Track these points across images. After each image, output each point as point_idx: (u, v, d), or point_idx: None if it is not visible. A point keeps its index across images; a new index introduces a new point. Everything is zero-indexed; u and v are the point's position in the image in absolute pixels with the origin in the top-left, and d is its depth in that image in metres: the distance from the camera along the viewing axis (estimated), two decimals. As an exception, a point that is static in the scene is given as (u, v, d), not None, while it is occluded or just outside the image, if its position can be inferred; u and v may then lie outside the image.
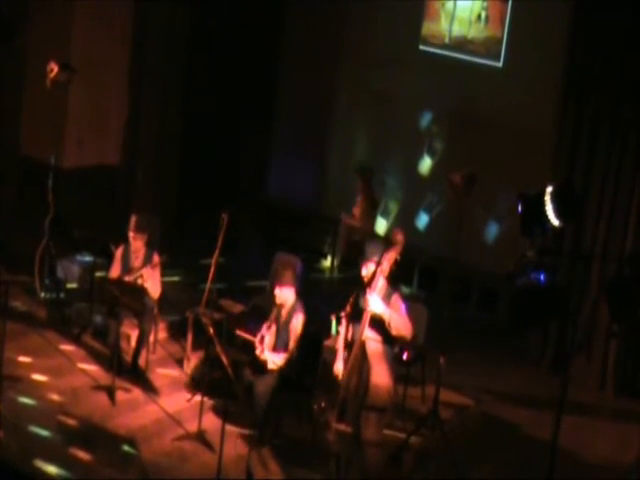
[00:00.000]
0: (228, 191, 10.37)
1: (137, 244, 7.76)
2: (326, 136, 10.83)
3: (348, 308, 6.47)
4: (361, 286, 6.39)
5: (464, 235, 8.53)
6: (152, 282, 7.70)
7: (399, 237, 6.33)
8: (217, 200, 9.31)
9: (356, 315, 6.34)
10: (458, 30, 9.86)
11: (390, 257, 6.27)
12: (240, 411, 6.89)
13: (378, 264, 6.25)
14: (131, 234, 7.74)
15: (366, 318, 6.21)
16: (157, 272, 7.77)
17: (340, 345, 6.53)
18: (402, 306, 6.37)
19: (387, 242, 6.42)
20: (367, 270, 6.39)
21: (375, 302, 6.18)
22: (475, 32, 9.76)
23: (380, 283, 6.27)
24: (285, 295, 7.10)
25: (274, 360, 6.96)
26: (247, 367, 7.03)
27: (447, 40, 9.93)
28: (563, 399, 5.93)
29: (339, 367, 6.45)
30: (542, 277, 6.69)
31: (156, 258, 7.75)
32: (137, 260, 7.79)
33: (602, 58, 8.24)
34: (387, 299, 6.30)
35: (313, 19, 10.69)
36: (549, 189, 6.43)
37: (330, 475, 6.44)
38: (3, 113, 10.07)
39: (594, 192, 8.36)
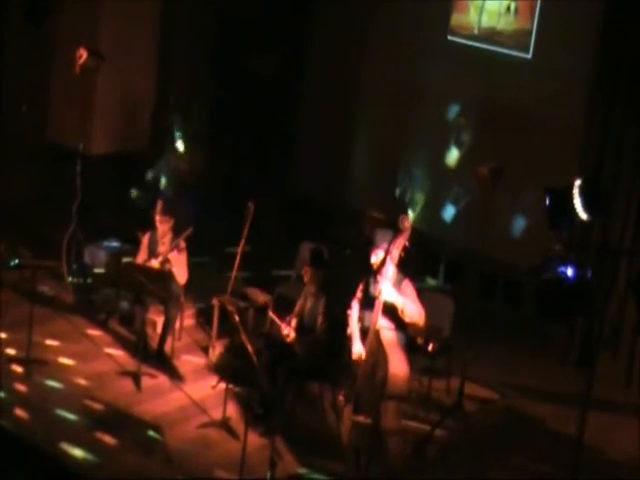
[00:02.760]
0: (253, 181, 10.36)
1: (163, 228, 7.77)
2: (353, 127, 10.78)
3: (359, 293, 6.49)
4: (371, 272, 6.39)
5: (490, 228, 8.50)
6: (179, 267, 7.69)
7: (406, 224, 6.35)
8: (243, 190, 9.33)
9: (368, 302, 6.34)
10: (487, 22, 9.76)
11: (399, 244, 6.29)
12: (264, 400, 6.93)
13: (387, 252, 6.27)
14: (157, 218, 7.76)
15: (379, 306, 6.20)
16: (184, 257, 7.76)
17: (355, 327, 6.47)
18: (413, 292, 6.36)
19: (395, 229, 6.43)
20: (376, 257, 6.45)
21: (388, 290, 6.18)
22: (504, 24, 9.66)
23: (390, 270, 6.27)
24: (311, 273, 7.10)
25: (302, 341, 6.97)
26: (271, 353, 7.04)
27: (476, 31, 9.84)
28: (588, 395, 5.88)
29: (358, 348, 6.39)
30: (570, 272, 6.63)
31: (182, 242, 7.75)
32: (163, 245, 7.79)
33: (633, 51, 8.14)
34: (398, 285, 6.31)
35: (341, 10, 10.64)
36: (577, 182, 6.37)
37: (351, 468, 6.44)
38: (31, 99, 10.12)
39: (622, 186, 8.27)
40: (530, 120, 9.47)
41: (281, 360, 6.93)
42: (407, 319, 6.21)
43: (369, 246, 9.13)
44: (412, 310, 6.21)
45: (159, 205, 7.80)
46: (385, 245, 6.31)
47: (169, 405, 7.13)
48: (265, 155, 10.88)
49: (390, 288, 6.17)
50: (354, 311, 6.53)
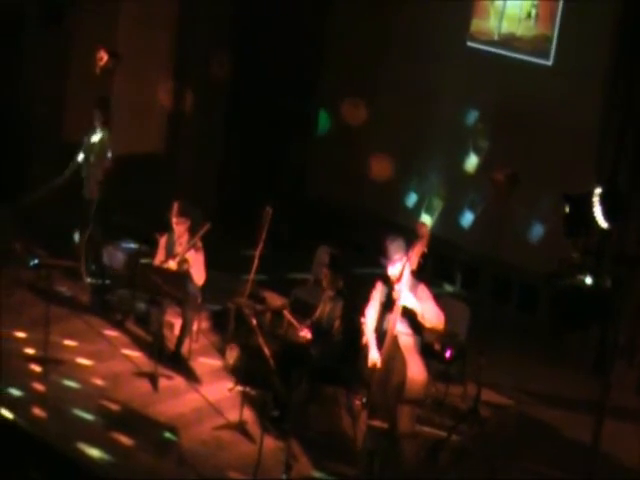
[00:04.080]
0: (270, 185, 10.41)
1: (180, 229, 7.82)
2: (369, 131, 10.82)
3: (372, 297, 6.50)
4: (386, 279, 6.42)
5: (506, 234, 8.51)
6: (197, 266, 7.74)
7: (424, 230, 6.38)
8: (258, 193, 9.38)
9: (385, 308, 6.37)
10: (507, 27, 9.77)
11: (417, 250, 6.31)
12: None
13: (407, 258, 6.29)
14: (174, 219, 7.80)
15: (397, 312, 6.24)
16: (201, 257, 7.80)
17: (371, 334, 6.48)
18: (430, 296, 6.39)
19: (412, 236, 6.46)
20: (394, 269, 6.39)
21: (406, 296, 6.21)
22: (524, 30, 9.67)
23: (406, 276, 6.31)
24: (329, 277, 7.15)
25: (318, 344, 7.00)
26: (287, 355, 7.09)
27: (496, 37, 9.86)
28: (604, 403, 5.90)
29: (374, 355, 6.40)
30: (586, 279, 6.66)
31: (199, 242, 7.79)
32: (180, 247, 7.83)
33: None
34: (414, 290, 6.32)
35: (360, 12, 10.68)
36: (597, 190, 6.39)
37: (365, 471, 6.47)
38: (49, 100, 10.20)
39: (639, 193, 8.29)
40: (547, 126, 9.50)
41: (297, 363, 6.98)
42: (427, 324, 6.24)
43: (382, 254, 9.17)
44: (431, 315, 6.24)
45: (175, 206, 7.85)
46: (400, 256, 6.31)
47: (185, 406, 7.18)
48: (282, 158, 10.93)
49: (408, 293, 6.21)
50: (369, 318, 6.53)
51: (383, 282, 6.43)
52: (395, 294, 6.23)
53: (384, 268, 6.48)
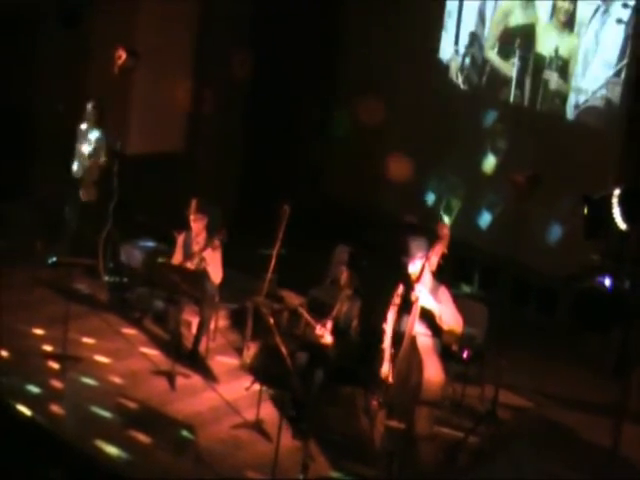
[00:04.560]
0: (288, 184, 10.40)
1: (198, 227, 7.83)
2: (386, 130, 10.81)
3: (396, 300, 6.49)
4: (407, 279, 6.40)
5: (525, 236, 8.47)
6: (214, 265, 7.75)
7: (445, 231, 6.36)
8: (277, 192, 9.35)
9: (405, 308, 6.35)
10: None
11: (437, 251, 6.30)
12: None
13: (426, 258, 6.28)
14: (191, 217, 7.82)
15: (415, 313, 6.22)
16: (218, 255, 7.81)
17: (387, 345, 6.50)
18: (450, 299, 6.37)
19: (430, 238, 6.44)
20: (414, 267, 6.40)
21: (425, 297, 6.19)
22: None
23: (427, 277, 6.29)
24: (346, 276, 7.13)
25: (329, 340, 6.99)
26: (305, 355, 7.08)
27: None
28: (624, 406, 5.86)
29: (386, 369, 6.43)
30: (607, 282, 6.61)
31: (217, 241, 7.79)
32: (198, 245, 7.85)
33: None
34: (434, 293, 6.32)
35: (375, 12, 10.68)
36: (616, 192, 6.35)
37: (384, 472, 6.46)
38: (68, 99, 10.24)
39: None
40: (568, 127, 9.46)
41: (315, 362, 6.97)
42: (445, 326, 6.23)
43: (402, 252, 9.13)
44: (449, 317, 6.23)
45: (193, 204, 7.86)
46: (421, 254, 6.30)
47: (202, 405, 7.18)
48: (300, 157, 10.93)
49: (427, 294, 6.19)
50: (389, 324, 6.53)
51: (404, 284, 6.41)
52: (414, 295, 6.21)
53: (403, 267, 6.46)
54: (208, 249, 7.71)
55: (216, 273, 7.79)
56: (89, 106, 8.83)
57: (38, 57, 10.63)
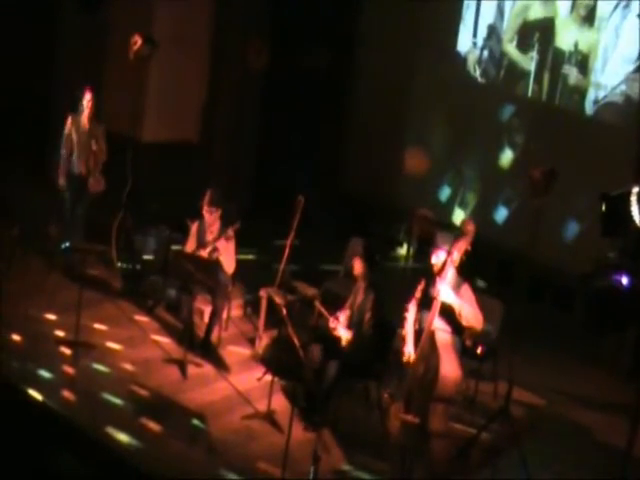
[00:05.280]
0: (303, 175, 10.40)
1: (211, 218, 7.82)
2: (403, 123, 10.78)
3: (417, 294, 6.49)
4: (430, 274, 6.39)
5: (541, 232, 8.42)
6: (227, 256, 7.74)
7: (470, 227, 6.35)
8: (292, 183, 9.36)
9: (425, 303, 6.35)
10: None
11: (460, 247, 6.29)
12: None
13: (449, 253, 6.26)
14: (205, 208, 7.80)
15: (435, 308, 6.21)
16: (232, 246, 7.80)
17: (409, 328, 6.49)
18: (472, 297, 6.36)
19: (458, 232, 6.43)
20: (437, 258, 6.42)
21: (445, 292, 6.18)
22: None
23: (450, 273, 6.28)
24: (361, 269, 7.10)
25: (348, 337, 6.97)
26: (317, 346, 7.08)
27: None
28: (638, 407, 5.83)
29: (409, 350, 6.41)
30: (624, 280, 6.58)
31: (230, 231, 7.79)
32: (211, 235, 7.84)
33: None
34: (457, 288, 6.30)
35: (392, 7, 10.64)
36: (635, 189, 6.32)
37: (396, 466, 6.46)
38: (84, 86, 10.24)
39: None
40: (585, 123, 9.42)
41: (327, 354, 6.97)
42: (465, 322, 6.22)
43: (418, 244, 9.14)
44: (469, 313, 6.22)
45: (208, 195, 7.83)
46: (446, 247, 6.29)
47: (214, 395, 7.19)
48: (315, 149, 10.91)
49: (448, 290, 6.18)
50: (411, 312, 6.54)
51: (427, 279, 6.40)
52: (435, 289, 6.20)
53: (429, 257, 6.46)
54: (222, 239, 7.71)
55: (229, 263, 7.79)
56: (87, 96, 8.57)
57: (56, 43, 10.65)
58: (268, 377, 7.20)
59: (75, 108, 8.58)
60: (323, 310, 7.18)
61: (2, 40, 10.43)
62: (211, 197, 7.81)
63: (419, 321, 6.40)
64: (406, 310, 6.60)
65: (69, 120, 8.62)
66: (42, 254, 8.72)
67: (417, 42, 10.57)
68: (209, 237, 7.84)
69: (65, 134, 8.61)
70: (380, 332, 7.07)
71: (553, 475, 6.82)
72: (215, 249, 7.71)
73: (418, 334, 6.37)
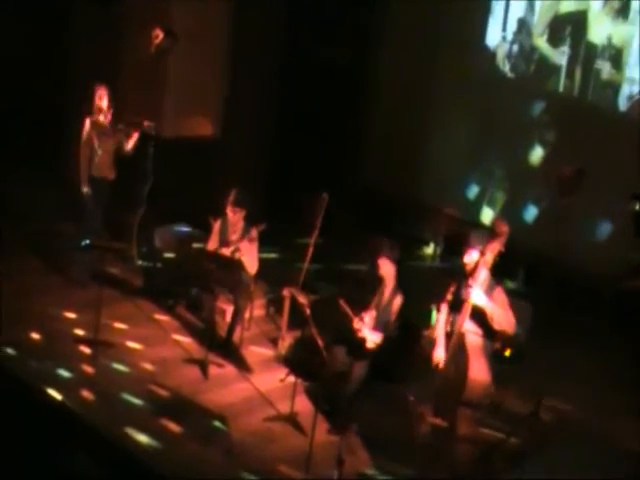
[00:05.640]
0: (323, 172, 10.36)
1: (235, 218, 7.78)
2: (427, 120, 10.72)
3: (449, 296, 6.44)
4: (462, 275, 6.34)
5: (570, 232, 8.35)
6: (249, 256, 7.72)
7: (504, 228, 6.25)
8: (312, 180, 9.32)
9: (456, 306, 6.29)
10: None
11: (494, 248, 6.21)
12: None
13: (482, 254, 6.20)
14: (229, 207, 7.76)
15: (466, 310, 6.15)
16: (254, 247, 7.77)
17: (440, 331, 6.45)
18: (505, 300, 6.29)
19: (491, 233, 6.35)
20: (470, 258, 6.35)
21: (477, 294, 6.12)
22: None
23: (483, 274, 6.21)
24: (387, 269, 7.05)
25: (373, 338, 6.92)
26: (341, 348, 7.04)
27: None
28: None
29: (439, 354, 6.37)
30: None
31: (254, 232, 7.77)
32: (234, 234, 7.82)
33: None
34: (490, 291, 6.23)
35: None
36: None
37: (420, 471, 6.41)
38: (103, 81, 10.26)
39: None
40: (617, 120, 9.32)
41: (351, 356, 6.93)
42: (496, 326, 6.15)
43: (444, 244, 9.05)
44: (501, 317, 6.14)
45: (233, 195, 7.77)
46: (479, 247, 6.23)
47: (235, 396, 7.17)
48: (337, 145, 10.87)
49: (480, 292, 6.12)
50: (442, 314, 6.49)
51: (459, 280, 6.35)
52: (466, 291, 6.14)
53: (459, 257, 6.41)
54: (245, 241, 7.68)
55: (251, 264, 7.76)
56: (101, 95, 8.32)
57: (73, 37, 10.66)
58: (291, 378, 7.16)
59: (90, 107, 8.39)
60: (347, 310, 7.13)
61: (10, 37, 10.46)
62: (236, 197, 7.75)
63: (450, 324, 6.34)
64: (438, 310, 6.55)
65: (87, 124, 8.34)
66: (60, 252, 8.75)
67: (443, 35, 10.49)
68: (232, 236, 7.82)
69: (83, 139, 8.34)
70: (405, 333, 7.02)
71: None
72: (237, 249, 7.69)
73: (448, 337, 6.32)
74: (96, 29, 10.25)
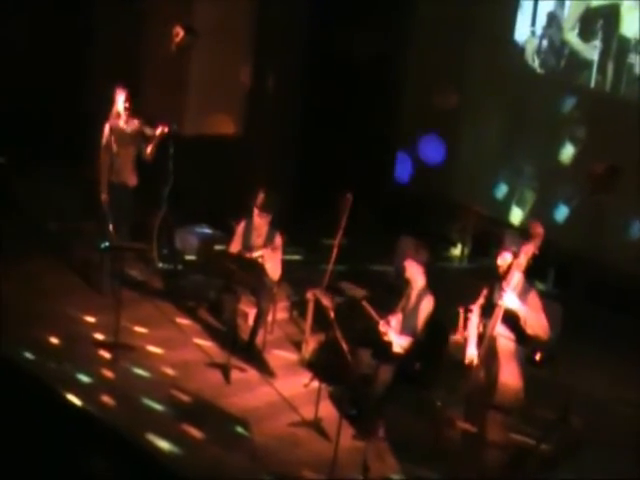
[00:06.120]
0: (351, 171, 10.34)
1: (261, 222, 7.75)
2: (457, 117, 10.68)
3: (482, 300, 6.41)
4: (496, 278, 6.30)
5: (603, 231, 8.30)
6: (272, 264, 7.70)
7: (539, 230, 6.20)
8: (339, 179, 9.31)
9: (489, 309, 6.26)
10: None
11: (528, 250, 6.16)
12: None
13: (515, 256, 6.15)
14: (256, 211, 7.70)
15: (498, 313, 6.12)
16: (278, 255, 7.76)
17: (473, 331, 6.42)
18: (539, 305, 6.25)
19: (525, 234, 6.31)
20: (503, 260, 6.32)
21: (510, 297, 6.08)
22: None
23: (516, 278, 6.17)
24: (414, 271, 7.02)
25: (400, 342, 6.89)
26: (367, 351, 7.02)
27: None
28: None
29: (472, 352, 6.34)
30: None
31: (278, 240, 7.75)
32: (259, 238, 7.80)
33: None
34: (523, 295, 6.19)
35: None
36: None
37: (448, 476, 6.38)
38: (124, 78, 10.31)
39: None
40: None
41: (377, 359, 6.91)
42: (529, 330, 6.11)
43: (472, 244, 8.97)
44: (535, 322, 6.11)
45: (260, 198, 7.69)
46: (513, 249, 6.20)
47: (258, 400, 7.17)
48: (363, 144, 10.85)
49: (513, 295, 6.08)
50: (474, 315, 6.47)
51: (491, 283, 6.31)
52: (499, 294, 6.10)
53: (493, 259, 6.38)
54: (268, 248, 7.66)
55: (274, 271, 7.74)
56: (121, 97, 8.08)
57: (96, 34, 10.72)
58: (315, 383, 7.15)
59: (109, 107, 8.25)
60: (373, 313, 7.11)
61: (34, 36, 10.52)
62: (264, 201, 7.68)
63: (482, 326, 6.31)
64: (466, 313, 6.53)
65: (106, 129, 8.15)
66: (80, 253, 8.79)
67: (471, 31, 10.45)
68: (256, 241, 7.79)
69: (103, 145, 8.18)
70: (432, 337, 6.99)
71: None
72: (260, 256, 7.68)
73: (480, 339, 6.28)
74: (121, 25, 10.30)
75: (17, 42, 10.36)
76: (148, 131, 8.12)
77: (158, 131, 8.12)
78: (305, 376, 7.49)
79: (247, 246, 7.79)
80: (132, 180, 8.30)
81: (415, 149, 10.87)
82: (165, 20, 9.19)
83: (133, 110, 8.15)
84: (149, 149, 8.18)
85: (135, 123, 8.14)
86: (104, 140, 8.16)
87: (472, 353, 6.33)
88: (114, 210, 8.13)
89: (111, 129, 8.15)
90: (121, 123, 8.15)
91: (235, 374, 7.40)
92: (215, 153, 10.30)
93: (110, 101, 8.22)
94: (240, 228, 7.89)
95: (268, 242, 7.75)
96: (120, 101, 8.08)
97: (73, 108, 10.55)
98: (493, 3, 10.35)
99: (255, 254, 7.68)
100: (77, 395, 6.80)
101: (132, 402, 6.91)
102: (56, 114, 10.58)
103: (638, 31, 9.29)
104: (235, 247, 7.86)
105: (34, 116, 10.43)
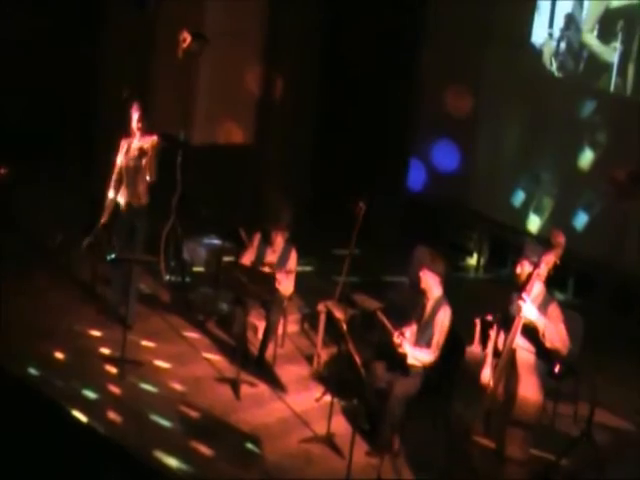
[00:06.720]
0: (364, 179, 10.34)
1: (278, 239, 7.77)
2: (473, 123, 10.66)
3: (500, 311, 6.37)
4: (515, 289, 6.26)
5: (626, 239, 8.25)
6: (285, 283, 7.69)
7: (560, 239, 6.16)
8: (352, 188, 9.31)
9: (508, 321, 6.22)
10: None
11: (549, 260, 6.12)
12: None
13: (536, 266, 6.12)
14: (274, 229, 7.71)
15: (518, 325, 6.08)
16: (291, 277, 7.76)
17: (489, 350, 6.40)
18: (560, 317, 6.20)
19: (545, 243, 6.27)
20: (521, 269, 6.27)
21: (529, 309, 6.05)
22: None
23: (537, 289, 6.14)
24: (430, 282, 7.00)
25: (415, 355, 6.85)
26: (381, 364, 7.00)
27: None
28: None
29: (486, 374, 6.32)
30: None
31: (293, 260, 7.74)
32: (273, 254, 7.79)
33: None
34: (544, 307, 6.14)
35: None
36: None
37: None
38: (133, 85, 10.36)
39: None
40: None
41: (391, 373, 6.88)
42: (548, 343, 6.06)
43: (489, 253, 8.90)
44: (554, 335, 6.05)
45: (280, 215, 7.75)
46: (533, 258, 6.16)
47: (269, 416, 7.16)
48: (377, 152, 10.85)
49: (532, 306, 6.04)
50: (493, 332, 6.42)
51: (510, 293, 6.29)
52: (518, 305, 6.07)
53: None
54: (282, 271, 7.65)
55: (287, 288, 7.74)
56: (136, 115, 7.91)
57: (106, 40, 10.78)
58: (327, 397, 7.13)
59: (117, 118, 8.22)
60: (387, 324, 7.08)
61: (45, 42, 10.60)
62: (284, 218, 7.71)
63: (501, 339, 6.27)
64: (486, 322, 6.49)
65: (123, 147, 7.99)
66: (87, 265, 8.81)
67: (486, 33, 10.44)
68: (270, 257, 7.79)
69: (118, 165, 7.99)
70: (448, 349, 6.95)
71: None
72: (273, 274, 7.64)
73: (496, 355, 6.25)
74: (131, 31, 10.35)
75: (24, 48, 10.46)
76: (145, 145, 7.93)
77: (147, 144, 7.88)
78: (317, 390, 7.48)
79: (260, 261, 7.78)
80: (144, 199, 8.11)
81: (431, 156, 10.86)
82: (176, 24, 9.23)
83: (146, 125, 7.97)
84: (143, 163, 7.91)
85: (148, 140, 7.93)
86: (118, 160, 8.04)
87: (486, 376, 6.29)
88: (122, 233, 8.06)
89: (125, 146, 8.02)
90: (135, 142, 7.97)
91: (245, 389, 7.38)
92: (225, 162, 10.34)
93: (120, 115, 8.12)
94: (255, 240, 7.87)
95: (282, 260, 7.75)
96: (134, 119, 7.95)
97: (81, 118, 10.63)
98: (509, 5, 10.33)
99: (267, 270, 7.65)
100: (84, 411, 6.81)
101: (140, 418, 6.91)
102: (67, 121, 10.67)
103: (660, 32, 9.28)
104: (247, 259, 7.85)
105: (42, 125, 10.51)
